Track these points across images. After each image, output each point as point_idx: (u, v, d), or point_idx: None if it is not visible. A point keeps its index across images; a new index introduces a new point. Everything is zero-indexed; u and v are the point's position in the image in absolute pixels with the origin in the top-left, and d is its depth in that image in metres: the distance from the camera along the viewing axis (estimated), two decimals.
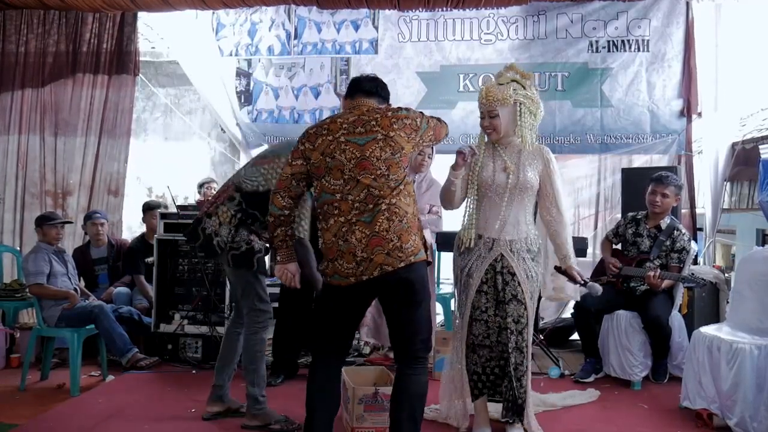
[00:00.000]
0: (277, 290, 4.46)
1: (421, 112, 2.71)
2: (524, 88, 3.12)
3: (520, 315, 3.12)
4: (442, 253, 5.15)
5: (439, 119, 2.79)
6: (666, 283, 4.10)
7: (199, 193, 5.82)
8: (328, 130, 2.59)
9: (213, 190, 5.35)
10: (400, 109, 2.67)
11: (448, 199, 3.26)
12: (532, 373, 4.32)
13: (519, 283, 3.11)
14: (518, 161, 3.14)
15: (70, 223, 5.22)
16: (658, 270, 4.07)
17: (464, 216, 3.26)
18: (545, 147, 3.21)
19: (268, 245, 3.34)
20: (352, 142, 2.54)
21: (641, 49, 5.52)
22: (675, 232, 4.18)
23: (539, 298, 3.44)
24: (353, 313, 2.71)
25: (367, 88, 2.74)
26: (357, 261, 2.51)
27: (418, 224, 2.62)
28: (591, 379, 4.20)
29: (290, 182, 2.62)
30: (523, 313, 3.12)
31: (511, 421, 3.16)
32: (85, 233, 5.30)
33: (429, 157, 4.71)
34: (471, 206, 3.22)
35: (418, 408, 2.66)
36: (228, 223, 3.26)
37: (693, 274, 4.19)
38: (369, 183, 2.51)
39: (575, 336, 4.94)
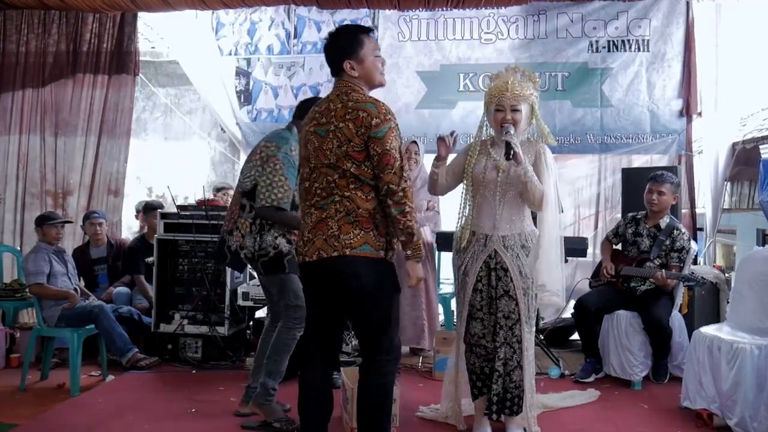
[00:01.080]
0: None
1: (392, 123, 2.48)
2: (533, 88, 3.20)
3: (510, 311, 3.12)
4: (442, 253, 5.15)
5: (395, 159, 2.46)
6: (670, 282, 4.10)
7: (215, 196, 5.80)
8: (307, 121, 2.64)
9: (229, 197, 5.33)
10: (366, 102, 2.50)
11: (431, 187, 3.33)
12: None
13: (511, 279, 3.11)
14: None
15: (70, 222, 5.22)
16: (664, 271, 4.06)
17: (459, 215, 3.28)
18: (542, 144, 3.21)
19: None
20: (316, 133, 2.55)
21: (641, 49, 5.52)
22: (674, 231, 4.18)
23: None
24: (319, 302, 2.64)
25: (335, 66, 2.60)
26: (304, 241, 2.57)
27: (377, 223, 2.51)
28: (591, 379, 4.20)
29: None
30: (514, 309, 3.12)
31: (494, 418, 3.17)
32: (85, 233, 5.30)
33: (416, 154, 4.76)
34: (465, 204, 3.24)
35: (367, 413, 2.59)
36: (250, 233, 3.30)
37: (693, 273, 4.19)
38: (326, 173, 2.51)
39: (575, 336, 4.94)
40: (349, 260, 2.48)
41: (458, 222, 3.28)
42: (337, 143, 2.48)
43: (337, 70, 2.61)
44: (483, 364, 3.21)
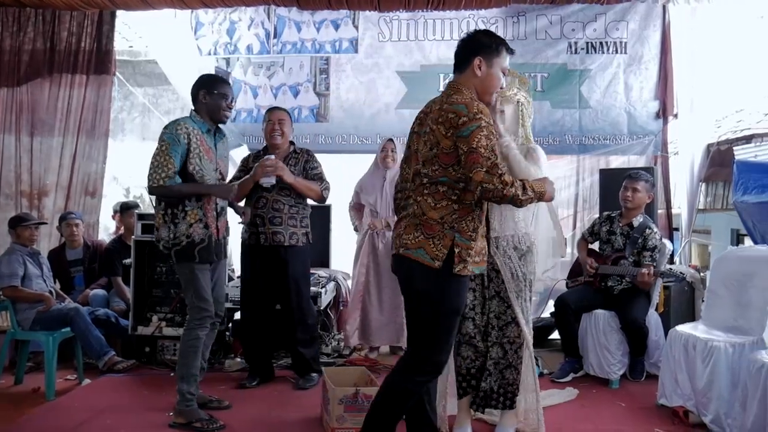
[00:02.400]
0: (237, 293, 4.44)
1: (480, 121, 2.38)
2: (521, 90, 3.22)
3: (501, 312, 3.15)
4: None
5: (492, 166, 2.36)
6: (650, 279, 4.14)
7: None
8: (414, 121, 2.65)
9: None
10: (459, 104, 2.43)
11: None
12: None
13: (503, 281, 3.13)
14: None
15: (45, 224, 5.15)
16: (650, 268, 4.10)
17: None
18: (534, 145, 3.25)
19: (213, 234, 3.38)
20: (418, 134, 2.58)
21: (619, 51, 5.58)
22: (646, 230, 4.23)
23: None
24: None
25: (457, 63, 2.61)
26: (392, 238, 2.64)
27: (445, 232, 2.45)
28: (569, 378, 4.23)
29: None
30: (506, 310, 3.14)
31: (477, 411, 3.21)
32: (61, 234, 5.23)
33: (393, 151, 4.79)
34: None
35: (378, 408, 2.57)
36: (164, 224, 3.33)
37: (671, 269, 4.26)
38: (412, 178, 2.56)
39: (555, 335, 4.98)
40: (400, 259, 2.52)
41: None
42: (429, 146, 2.47)
43: (460, 64, 2.58)
44: (470, 364, 3.20)
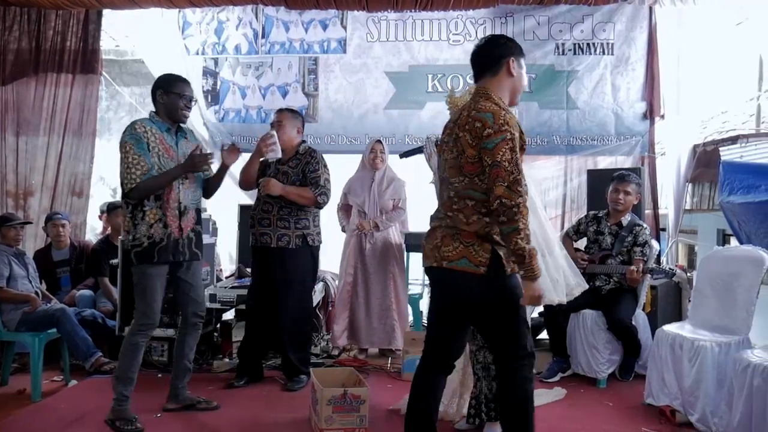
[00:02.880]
0: (243, 291, 4.44)
1: (506, 133, 2.33)
2: None
3: None
4: (411, 254, 5.16)
5: (512, 182, 2.31)
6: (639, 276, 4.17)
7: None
8: (444, 131, 2.62)
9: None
10: (486, 111, 2.38)
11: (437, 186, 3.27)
12: None
13: None
14: None
15: (30, 223, 5.11)
16: (640, 264, 4.13)
17: None
18: None
19: (174, 233, 3.34)
20: (447, 144, 2.54)
21: (606, 53, 5.62)
22: (636, 227, 4.27)
23: None
24: (440, 306, 2.63)
25: (482, 68, 2.55)
26: (427, 248, 2.57)
27: (478, 239, 2.41)
28: (556, 378, 4.25)
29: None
30: None
31: (469, 422, 3.20)
32: (47, 235, 5.18)
33: (381, 152, 4.80)
34: None
35: (513, 420, 2.53)
36: (130, 228, 3.33)
37: (659, 266, 4.29)
38: (445, 188, 2.53)
39: (543, 335, 5.00)
40: (446, 273, 2.46)
41: None
42: (455, 153, 2.44)
43: (489, 68, 2.52)
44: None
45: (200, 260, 3.58)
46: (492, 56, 2.52)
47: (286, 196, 3.93)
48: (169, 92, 3.37)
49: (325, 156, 4.18)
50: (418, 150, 3.25)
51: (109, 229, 5.29)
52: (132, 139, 3.26)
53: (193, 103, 3.48)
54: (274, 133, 3.83)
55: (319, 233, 4.14)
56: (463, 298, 2.48)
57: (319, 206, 4.07)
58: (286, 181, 4.00)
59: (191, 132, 3.64)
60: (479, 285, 2.42)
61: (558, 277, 3.02)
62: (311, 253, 4.10)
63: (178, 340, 3.60)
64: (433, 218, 2.62)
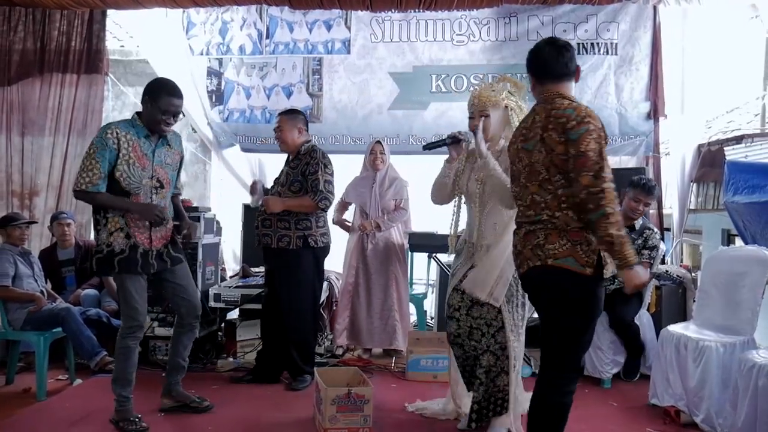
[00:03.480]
0: (248, 291, 4.45)
1: (589, 124, 2.37)
2: (513, 95, 3.24)
3: (492, 318, 3.15)
4: (415, 254, 5.17)
5: (599, 170, 2.33)
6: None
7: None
8: (515, 138, 2.62)
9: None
10: (566, 108, 2.43)
11: (439, 193, 3.30)
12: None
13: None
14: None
15: (35, 223, 5.12)
16: (647, 266, 4.13)
17: (452, 220, 3.36)
18: None
19: (143, 244, 3.30)
20: (525, 149, 2.52)
21: (610, 52, 5.60)
22: (647, 231, 4.26)
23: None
24: (537, 308, 2.66)
25: (556, 72, 2.55)
26: (516, 253, 2.59)
27: (586, 237, 2.40)
28: None
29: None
30: (497, 316, 3.15)
31: (471, 427, 3.19)
32: (52, 234, 5.20)
33: (381, 153, 4.81)
34: (456, 211, 3.33)
35: (543, 422, 2.53)
36: (95, 230, 3.31)
37: (667, 272, 4.28)
38: (534, 191, 2.49)
39: None
40: (549, 270, 2.42)
41: (450, 228, 3.37)
42: (545, 152, 2.44)
43: (562, 73, 2.55)
44: (463, 363, 3.26)
45: (183, 263, 3.51)
46: (569, 65, 2.56)
47: (287, 209, 3.97)
48: (153, 103, 3.26)
49: (329, 156, 4.17)
50: (442, 143, 3.22)
51: None
52: (98, 143, 3.19)
53: (177, 118, 3.35)
54: (266, 198, 4.01)
55: (324, 234, 4.12)
56: (558, 298, 2.45)
57: (323, 211, 4.06)
58: (287, 181, 4.03)
59: (177, 138, 3.53)
60: (577, 285, 2.41)
61: None
62: (314, 254, 4.08)
63: (174, 339, 3.59)
64: (523, 222, 2.57)
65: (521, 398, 3.25)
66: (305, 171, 4.00)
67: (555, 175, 2.43)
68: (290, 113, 4.21)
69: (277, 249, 4.00)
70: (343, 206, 5.02)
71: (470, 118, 3.22)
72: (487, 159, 3.06)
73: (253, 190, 4.19)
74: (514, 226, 2.68)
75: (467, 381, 3.30)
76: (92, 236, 5.73)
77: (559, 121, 2.39)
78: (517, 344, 3.16)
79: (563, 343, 2.49)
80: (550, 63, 2.55)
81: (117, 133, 3.21)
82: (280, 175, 4.16)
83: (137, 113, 3.35)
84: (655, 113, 5.54)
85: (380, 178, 4.82)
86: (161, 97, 3.26)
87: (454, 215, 3.35)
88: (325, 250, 4.16)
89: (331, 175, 4.06)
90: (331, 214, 4.55)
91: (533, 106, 2.62)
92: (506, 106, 3.20)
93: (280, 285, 4.03)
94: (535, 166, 2.47)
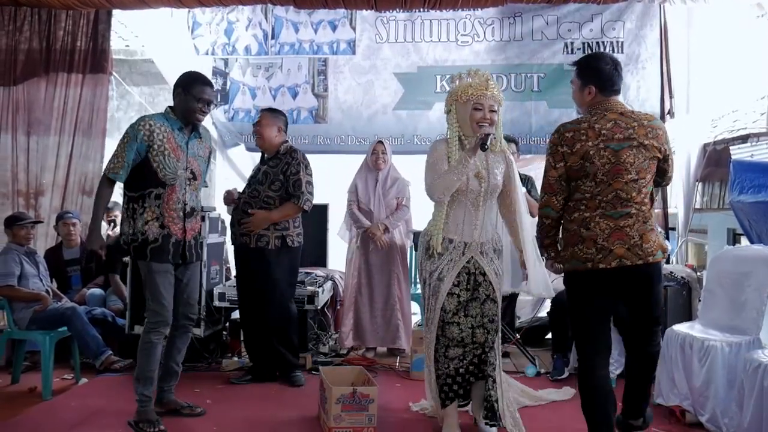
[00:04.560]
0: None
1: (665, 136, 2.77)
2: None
3: (494, 314, 3.16)
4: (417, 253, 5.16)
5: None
6: None
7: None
8: (587, 137, 2.69)
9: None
10: (655, 119, 2.79)
11: (448, 191, 3.12)
12: (509, 372, 4.38)
13: (491, 282, 3.15)
14: (487, 165, 3.17)
15: (40, 222, 5.14)
16: None
17: (432, 220, 3.24)
18: (507, 149, 3.29)
19: (176, 234, 3.32)
20: (610, 148, 2.66)
21: (615, 51, 5.59)
22: None
23: (516, 296, 3.47)
24: (598, 302, 2.75)
25: (617, 87, 2.82)
26: (597, 248, 2.67)
27: (655, 228, 2.75)
28: (565, 375, 4.25)
29: (559, 184, 2.75)
30: (497, 311, 3.17)
31: (491, 424, 3.14)
32: (58, 234, 5.22)
33: (383, 153, 4.81)
34: (441, 210, 3.18)
35: (642, 377, 2.89)
36: (126, 219, 3.33)
37: (671, 272, 4.27)
38: (619, 187, 2.66)
39: (551, 335, 4.98)
40: (653, 267, 2.70)
41: (431, 228, 3.22)
42: (642, 158, 2.67)
43: (618, 88, 2.81)
44: (458, 364, 3.17)
45: (198, 261, 3.54)
46: (621, 79, 2.85)
47: (273, 222, 4.02)
48: (188, 93, 3.32)
49: (334, 156, 4.22)
50: (483, 146, 3.11)
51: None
52: (131, 133, 3.26)
53: (211, 106, 3.43)
54: (249, 223, 4.01)
55: (299, 234, 4.18)
56: (656, 290, 2.75)
57: (306, 212, 4.12)
58: (266, 180, 4.06)
59: (207, 132, 3.62)
60: (661, 272, 2.78)
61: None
62: (290, 254, 4.13)
63: (168, 341, 3.49)
64: (607, 215, 2.67)
65: (510, 394, 3.34)
66: (286, 171, 4.04)
67: (646, 175, 2.68)
68: (273, 111, 4.27)
69: (256, 249, 4.03)
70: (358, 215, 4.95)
71: (475, 109, 3.09)
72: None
73: (230, 200, 4.17)
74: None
75: (448, 393, 3.17)
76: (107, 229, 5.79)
77: (659, 132, 2.71)
78: (498, 339, 3.24)
79: (659, 316, 2.83)
80: (615, 78, 2.79)
81: (150, 126, 3.26)
82: (256, 174, 4.17)
83: (169, 107, 3.40)
84: (661, 112, 5.51)
85: (383, 178, 4.83)
86: (195, 87, 3.34)
87: (436, 213, 3.22)
88: (300, 249, 4.22)
89: (311, 176, 4.11)
90: (332, 216, 4.54)
91: (600, 111, 2.73)
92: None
93: (259, 285, 4.06)
94: (625, 166, 2.65)
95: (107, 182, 3.31)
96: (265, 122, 4.12)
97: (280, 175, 4.04)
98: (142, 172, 3.26)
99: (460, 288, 3.14)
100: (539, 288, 3.35)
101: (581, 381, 2.79)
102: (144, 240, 3.27)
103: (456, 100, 3.17)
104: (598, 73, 2.78)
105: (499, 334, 3.24)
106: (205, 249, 4.55)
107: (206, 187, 3.68)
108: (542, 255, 3.06)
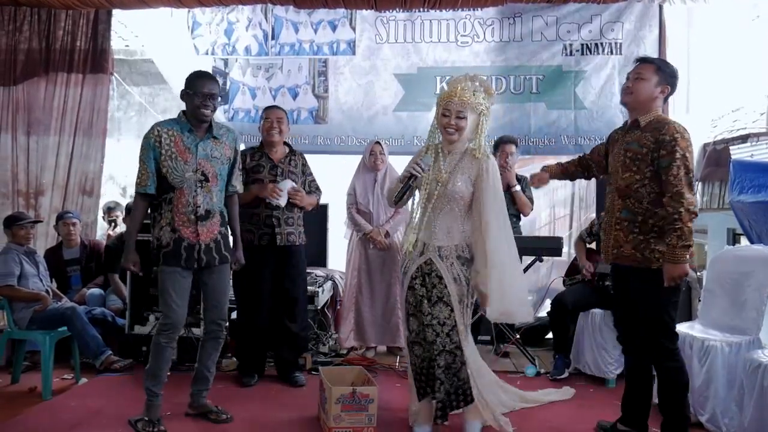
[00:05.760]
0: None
1: (680, 150, 3.09)
2: (485, 101, 3.17)
3: (446, 317, 3.10)
4: None
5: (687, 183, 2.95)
6: None
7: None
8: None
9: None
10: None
11: (391, 191, 3.36)
12: (509, 372, 4.39)
13: (446, 285, 3.11)
14: (453, 170, 3.16)
15: (40, 222, 5.14)
16: None
17: (410, 219, 3.32)
18: (491, 158, 3.21)
19: (189, 238, 3.30)
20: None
21: (614, 52, 5.60)
22: None
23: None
24: (627, 300, 3.13)
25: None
26: (609, 246, 3.13)
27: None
28: (565, 375, 4.25)
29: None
30: (450, 315, 3.10)
31: (443, 422, 3.12)
32: (58, 234, 5.22)
33: (381, 154, 4.81)
34: (416, 211, 3.27)
35: (671, 391, 3.02)
36: (151, 227, 3.38)
37: None
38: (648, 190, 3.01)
39: (551, 335, 4.99)
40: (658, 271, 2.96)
41: (407, 226, 3.33)
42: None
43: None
44: (421, 363, 3.17)
45: (227, 263, 3.47)
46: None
47: (308, 208, 4.18)
48: (191, 90, 3.32)
49: (334, 157, 4.28)
50: (408, 187, 3.22)
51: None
52: (144, 144, 3.30)
53: (214, 101, 3.34)
54: (284, 186, 4.02)
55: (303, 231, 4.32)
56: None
57: (308, 211, 4.28)
58: (296, 181, 4.15)
59: (231, 134, 3.50)
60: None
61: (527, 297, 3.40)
62: (303, 250, 4.27)
63: (200, 346, 3.56)
64: (661, 217, 2.96)
65: (493, 393, 3.33)
66: (304, 171, 4.24)
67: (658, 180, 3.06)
68: (284, 111, 4.32)
69: (284, 246, 4.07)
70: (360, 215, 4.96)
71: (443, 115, 3.12)
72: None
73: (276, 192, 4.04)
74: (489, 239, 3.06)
75: (421, 387, 3.17)
76: (97, 235, 5.81)
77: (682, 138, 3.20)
78: (466, 343, 3.16)
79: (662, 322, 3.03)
80: None
81: (158, 131, 3.29)
82: (268, 169, 4.13)
83: (182, 111, 3.40)
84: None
85: (381, 178, 4.83)
86: (195, 83, 3.34)
87: (414, 214, 3.26)
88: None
89: None
90: (333, 215, 4.55)
91: (643, 116, 3.21)
92: (480, 112, 3.13)
93: (289, 282, 4.14)
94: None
95: (139, 198, 3.34)
96: (285, 119, 4.22)
97: (301, 174, 4.20)
98: (160, 179, 3.30)
99: (416, 282, 3.17)
100: (520, 315, 3.21)
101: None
102: (158, 245, 3.29)
103: (436, 104, 3.24)
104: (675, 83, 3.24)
105: (469, 336, 3.20)
106: None
107: (236, 192, 3.57)
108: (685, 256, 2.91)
